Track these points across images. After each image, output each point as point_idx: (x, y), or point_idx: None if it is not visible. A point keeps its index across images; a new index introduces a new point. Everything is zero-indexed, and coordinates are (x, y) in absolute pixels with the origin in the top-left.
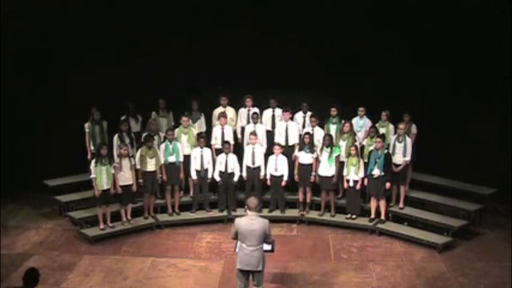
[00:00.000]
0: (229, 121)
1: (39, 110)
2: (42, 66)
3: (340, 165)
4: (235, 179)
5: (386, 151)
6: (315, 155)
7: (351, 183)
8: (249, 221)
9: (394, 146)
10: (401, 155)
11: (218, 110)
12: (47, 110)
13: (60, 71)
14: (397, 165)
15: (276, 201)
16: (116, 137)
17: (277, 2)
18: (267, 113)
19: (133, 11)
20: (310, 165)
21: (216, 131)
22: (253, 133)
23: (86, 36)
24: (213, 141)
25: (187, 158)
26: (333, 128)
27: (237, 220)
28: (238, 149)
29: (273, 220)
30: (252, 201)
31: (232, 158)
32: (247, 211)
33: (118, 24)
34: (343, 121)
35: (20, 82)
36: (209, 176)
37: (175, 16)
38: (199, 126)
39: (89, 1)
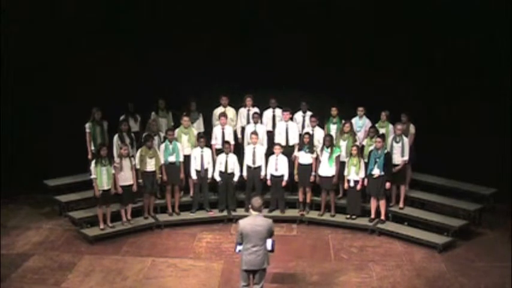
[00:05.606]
0: (229, 121)
1: (39, 110)
2: (42, 66)
3: (341, 165)
4: (235, 179)
5: (386, 151)
6: (314, 155)
7: (352, 184)
8: (253, 221)
9: (391, 146)
10: (399, 155)
11: (218, 110)
12: (47, 110)
13: (60, 70)
14: (395, 165)
15: (276, 201)
16: (116, 137)
17: (278, 2)
18: (267, 113)
19: (133, 11)
20: (310, 165)
21: (217, 131)
22: (255, 133)
23: (85, 37)
24: (213, 141)
25: (187, 158)
26: (333, 128)
27: (241, 222)
28: (238, 149)
29: (273, 220)
30: (256, 200)
31: (232, 158)
32: (251, 211)
33: (118, 24)
34: (343, 121)
35: (19, 82)
36: (209, 176)
37: (175, 16)
38: (197, 126)
39: (88, 0)
